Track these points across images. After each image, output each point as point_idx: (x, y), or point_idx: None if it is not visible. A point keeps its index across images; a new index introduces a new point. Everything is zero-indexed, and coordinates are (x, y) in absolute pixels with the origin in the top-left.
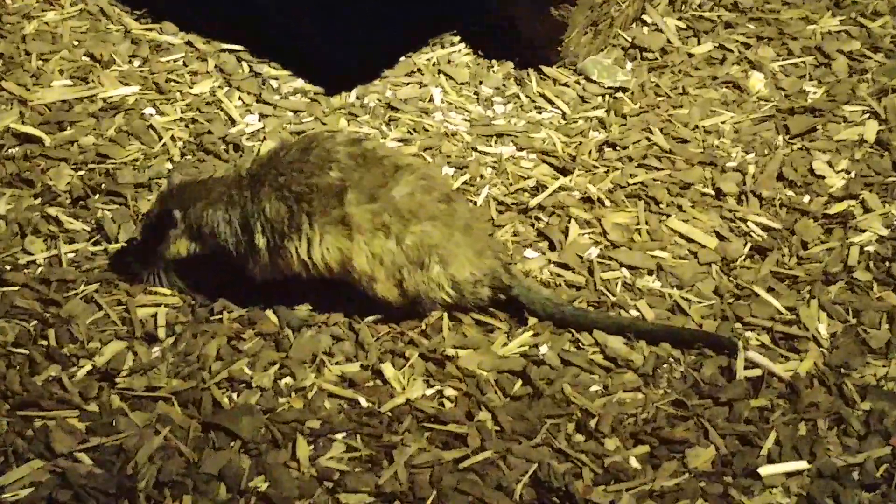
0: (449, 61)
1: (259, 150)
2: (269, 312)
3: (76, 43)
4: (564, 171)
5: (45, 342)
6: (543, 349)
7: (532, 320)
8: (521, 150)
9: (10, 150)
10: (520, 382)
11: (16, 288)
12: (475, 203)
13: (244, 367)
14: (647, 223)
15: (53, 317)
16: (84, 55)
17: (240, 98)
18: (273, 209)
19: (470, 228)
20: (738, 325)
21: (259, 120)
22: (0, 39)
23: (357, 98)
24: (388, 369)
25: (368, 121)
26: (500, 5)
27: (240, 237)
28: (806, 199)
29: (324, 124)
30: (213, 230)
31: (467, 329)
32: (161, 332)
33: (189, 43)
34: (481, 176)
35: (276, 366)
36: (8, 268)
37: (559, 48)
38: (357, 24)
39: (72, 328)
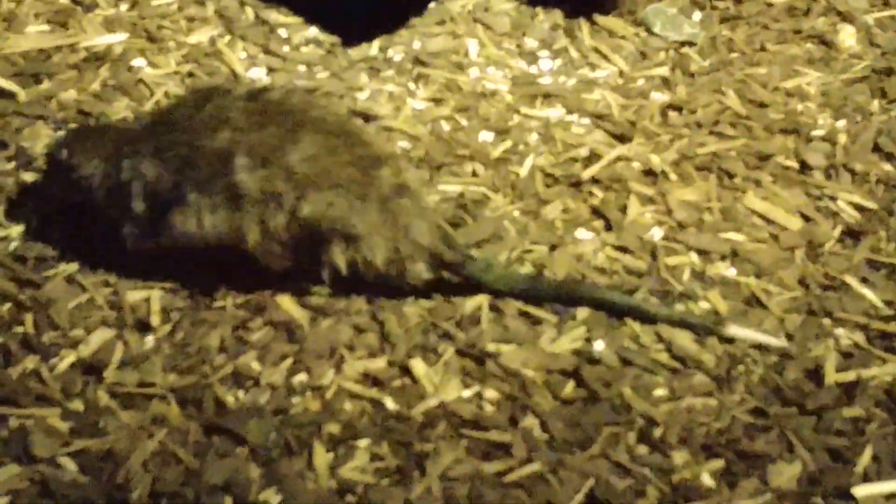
0: (486, 9)
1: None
2: (279, 298)
3: None
4: (622, 139)
5: (21, 329)
6: (599, 345)
7: (583, 311)
8: (571, 113)
9: None
10: (572, 384)
11: None
12: (517, 174)
13: (252, 361)
14: (719, 200)
15: (30, 300)
16: None
17: (244, 48)
18: (153, 173)
19: (391, 199)
20: (826, 320)
21: (266, 74)
22: None
23: (380, 50)
24: (418, 366)
25: (393, 77)
26: None
27: (115, 198)
28: None
29: (341, 80)
30: (89, 182)
31: (510, 321)
32: (155, 320)
33: None
34: (525, 143)
35: (289, 360)
36: None
37: None
38: None
39: (52, 313)
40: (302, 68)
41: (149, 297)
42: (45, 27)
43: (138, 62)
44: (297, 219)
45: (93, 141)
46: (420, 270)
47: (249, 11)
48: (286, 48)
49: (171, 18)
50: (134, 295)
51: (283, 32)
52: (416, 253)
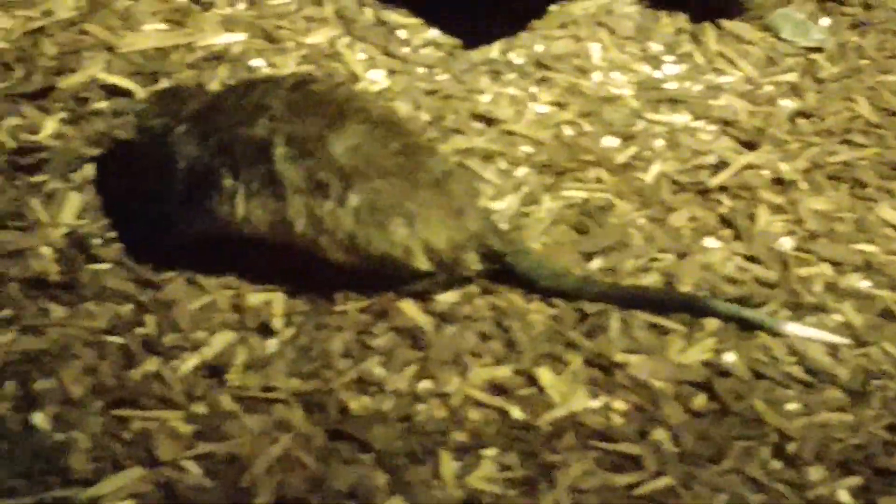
0: (609, 11)
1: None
2: (403, 303)
3: None
4: (750, 146)
5: (142, 330)
6: (729, 357)
7: (713, 322)
8: (697, 119)
9: (97, 104)
10: (703, 396)
11: (106, 266)
12: (642, 181)
13: (376, 366)
14: (851, 210)
15: (151, 301)
16: None
17: (363, 50)
18: (192, 156)
19: (442, 184)
20: None
21: (386, 76)
22: None
23: (501, 53)
24: (545, 375)
25: (515, 80)
26: None
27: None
28: None
29: (461, 82)
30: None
31: (638, 331)
32: (277, 323)
33: None
34: (651, 149)
35: (414, 366)
36: (96, 242)
37: None
38: None
39: (174, 315)
40: (422, 70)
41: (270, 300)
42: (163, 25)
43: (257, 62)
44: (347, 209)
45: (161, 108)
46: (472, 260)
47: (369, 12)
48: (406, 50)
49: (289, 18)
50: (255, 297)
51: (402, 34)
52: (469, 241)
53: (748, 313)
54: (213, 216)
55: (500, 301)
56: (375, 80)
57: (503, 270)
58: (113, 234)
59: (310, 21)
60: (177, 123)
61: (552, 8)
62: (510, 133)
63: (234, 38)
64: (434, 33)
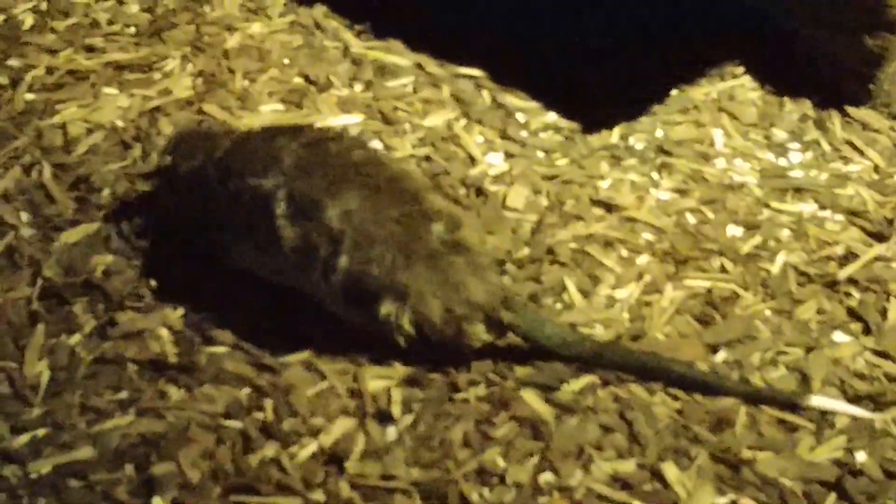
0: (731, 97)
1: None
2: (524, 392)
3: (287, 61)
4: (880, 237)
5: (260, 415)
6: (860, 456)
7: (842, 420)
8: (824, 208)
9: None
10: (833, 496)
11: (224, 349)
12: (768, 272)
13: (497, 457)
14: None
15: (269, 385)
16: (297, 76)
17: (480, 133)
18: (210, 197)
19: (440, 256)
20: None
21: (504, 160)
22: (199, 54)
23: (621, 138)
24: (669, 470)
25: (635, 165)
26: (796, 25)
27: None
28: None
29: (581, 167)
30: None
31: (766, 427)
32: (396, 410)
33: (419, 65)
34: (776, 239)
35: (535, 458)
36: (213, 325)
37: (871, 86)
38: (620, 49)
39: (292, 400)
40: (540, 154)
41: (389, 386)
42: (280, 106)
43: (374, 144)
44: (337, 276)
45: (186, 148)
46: (478, 331)
47: (486, 95)
48: (524, 133)
49: (406, 100)
50: (374, 384)
51: (520, 117)
52: (471, 313)
53: (773, 392)
54: (230, 258)
55: (622, 392)
56: (493, 163)
57: (516, 336)
58: (224, 318)
59: (427, 103)
60: (207, 163)
61: (673, 93)
62: (631, 220)
63: (351, 120)
64: (552, 117)
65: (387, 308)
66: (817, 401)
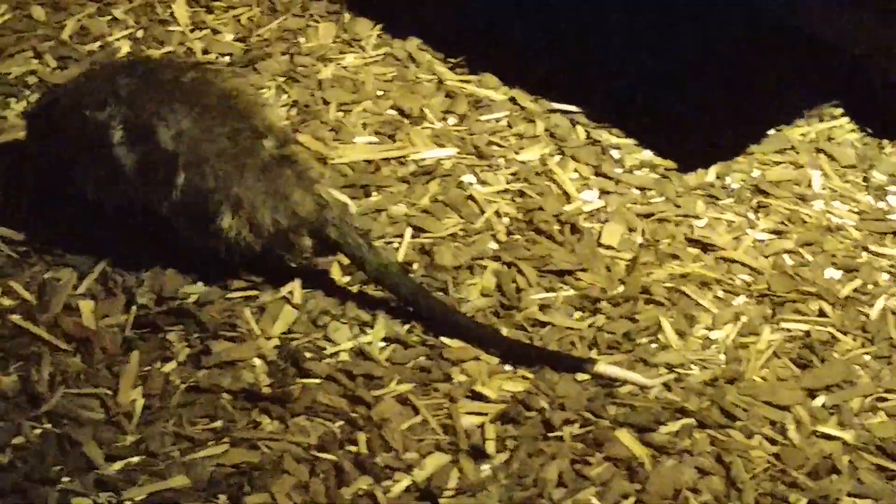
0: (830, 138)
1: None
2: (619, 432)
3: (381, 93)
4: None
5: (353, 448)
6: None
7: None
8: None
9: None
10: None
11: (318, 381)
12: (867, 316)
13: (592, 497)
14: None
15: (363, 418)
16: (390, 108)
17: (575, 169)
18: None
19: (272, 168)
20: None
21: (598, 197)
22: (293, 84)
23: (717, 177)
24: None
25: (732, 205)
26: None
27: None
28: None
29: (677, 206)
30: None
31: (866, 474)
32: (490, 447)
33: (513, 100)
34: (876, 283)
35: (631, 499)
36: (308, 356)
37: None
38: (716, 87)
39: (385, 434)
40: (635, 192)
41: (483, 422)
42: (373, 138)
43: (468, 178)
44: (177, 193)
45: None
46: (305, 244)
47: (580, 131)
48: (619, 170)
49: (500, 135)
50: (468, 419)
51: (615, 154)
52: (298, 225)
53: (563, 355)
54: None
55: (720, 435)
56: (588, 199)
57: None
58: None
59: (521, 138)
60: (54, 100)
61: (769, 133)
62: (727, 260)
63: (445, 153)
64: (648, 154)
65: (226, 220)
66: (603, 368)
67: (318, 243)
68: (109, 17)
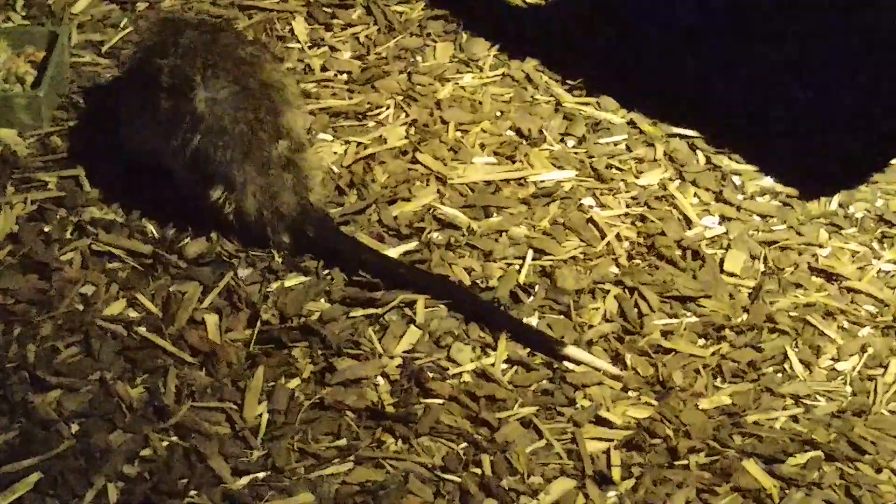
0: None
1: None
2: (747, 462)
3: (499, 113)
4: None
5: (478, 470)
6: None
7: None
8: None
9: (430, 234)
10: None
11: (441, 401)
12: None
13: None
14: None
15: (487, 440)
16: (509, 129)
17: (695, 194)
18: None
19: (273, 167)
20: None
21: (720, 223)
22: (412, 103)
23: (840, 206)
24: None
25: (855, 235)
26: None
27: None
28: None
29: (799, 234)
30: None
31: None
32: (615, 474)
33: (632, 123)
34: None
35: None
36: (431, 376)
37: None
38: (839, 116)
39: (510, 457)
40: (757, 219)
41: (608, 447)
42: (492, 159)
43: (587, 201)
44: (189, 149)
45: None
46: (282, 238)
47: (700, 156)
48: (740, 196)
49: (619, 158)
50: (593, 445)
51: (736, 180)
52: (278, 222)
53: (534, 332)
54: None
55: (848, 468)
56: (709, 225)
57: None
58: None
59: (640, 162)
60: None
61: (893, 162)
62: (852, 290)
63: (564, 176)
64: (769, 181)
65: (217, 192)
66: (571, 351)
67: (297, 242)
68: None
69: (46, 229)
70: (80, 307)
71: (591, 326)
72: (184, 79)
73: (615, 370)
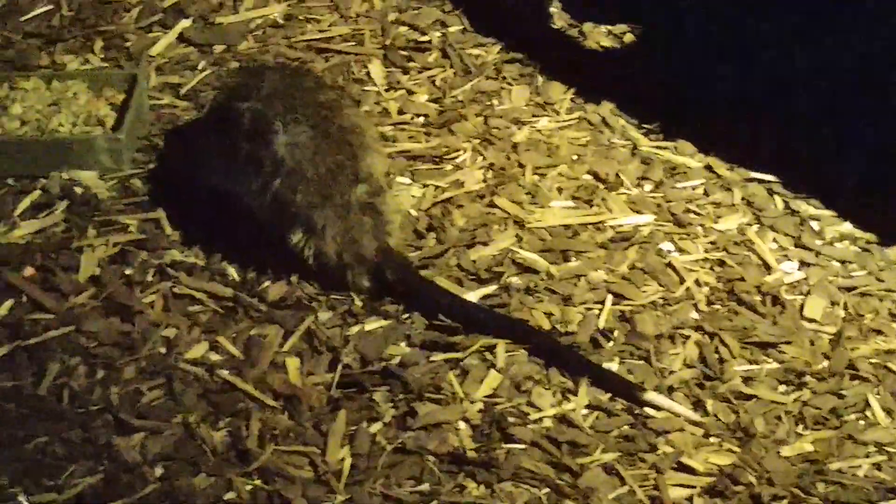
0: None
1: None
2: None
3: (576, 157)
4: None
5: None
6: None
7: None
8: None
9: (509, 279)
10: None
11: (523, 446)
12: None
13: None
14: None
15: (569, 486)
16: (586, 172)
17: (774, 239)
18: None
19: (353, 211)
20: None
21: (799, 268)
22: (488, 146)
23: None
24: None
25: None
26: None
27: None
28: None
29: (879, 280)
30: None
31: None
32: None
33: (709, 167)
34: None
35: None
36: (512, 420)
37: None
38: None
39: (592, 503)
40: (836, 264)
41: (691, 495)
42: (570, 203)
43: (666, 246)
44: (270, 189)
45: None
46: (361, 281)
47: (779, 200)
48: (819, 242)
49: (696, 203)
50: (675, 492)
51: (815, 225)
52: (358, 266)
53: (615, 377)
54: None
55: None
56: (788, 271)
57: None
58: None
59: (718, 207)
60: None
61: None
62: None
63: (643, 220)
64: (848, 227)
65: (297, 236)
66: (651, 396)
67: (376, 285)
68: None
69: (128, 272)
70: (163, 350)
71: (671, 372)
72: (264, 123)
73: (696, 416)
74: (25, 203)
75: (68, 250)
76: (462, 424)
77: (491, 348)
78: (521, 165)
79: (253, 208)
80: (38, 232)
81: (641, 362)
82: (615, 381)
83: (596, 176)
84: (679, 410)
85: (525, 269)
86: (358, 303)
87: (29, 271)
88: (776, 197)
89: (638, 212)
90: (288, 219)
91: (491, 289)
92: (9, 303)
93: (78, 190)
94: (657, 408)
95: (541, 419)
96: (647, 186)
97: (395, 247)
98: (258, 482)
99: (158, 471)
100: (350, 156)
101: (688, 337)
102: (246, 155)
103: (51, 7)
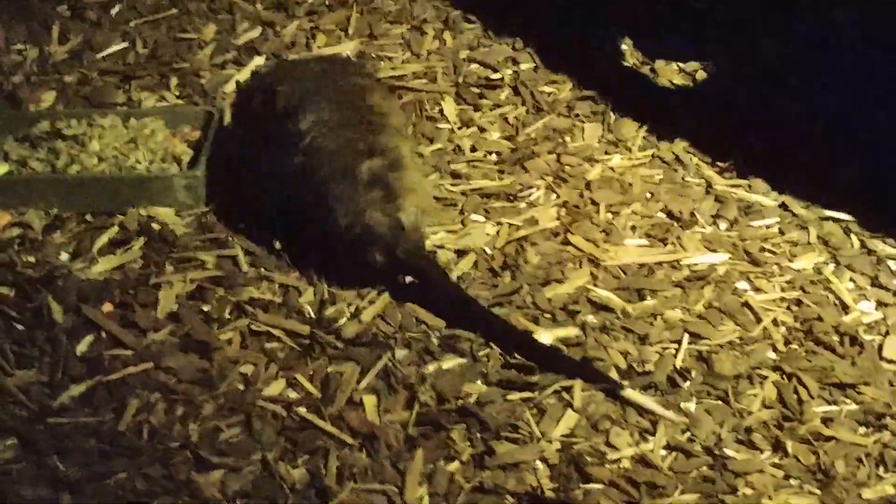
0: None
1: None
2: None
3: (649, 195)
4: None
5: None
6: None
7: None
8: None
9: (585, 317)
10: None
11: (601, 486)
12: None
13: None
14: None
15: None
16: (660, 210)
17: (851, 279)
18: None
19: (364, 186)
20: None
21: (876, 308)
22: (561, 184)
23: None
24: None
25: None
26: None
27: None
28: None
29: None
30: None
31: None
32: None
33: (784, 206)
34: None
35: None
36: (590, 460)
37: None
38: None
39: None
40: None
41: None
42: (644, 241)
43: (742, 285)
44: (296, 163)
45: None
46: (374, 255)
47: (855, 240)
48: None
49: (772, 241)
50: None
51: (892, 265)
52: (368, 239)
53: (596, 372)
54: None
55: None
56: (865, 311)
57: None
58: (610, 455)
59: (793, 245)
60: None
61: None
62: None
63: (718, 259)
64: None
65: (319, 211)
66: (629, 393)
67: (389, 262)
68: None
69: (206, 308)
70: (241, 387)
71: (749, 413)
72: (294, 103)
73: (676, 417)
74: (104, 239)
75: (146, 286)
76: (539, 464)
77: (568, 388)
78: (594, 203)
79: (284, 189)
80: (117, 268)
81: (719, 402)
82: (593, 374)
83: (670, 214)
84: (659, 411)
85: (600, 307)
86: (434, 340)
87: (108, 307)
88: (852, 236)
89: (713, 250)
90: (312, 188)
91: (570, 329)
92: (89, 338)
93: (155, 226)
94: (635, 405)
95: (619, 459)
96: (722, 225)
97: (410, 225)
98: None
99: None
100: (367, 130)
101: (766, 377)
102: (278, 134)
103: (126, 45)
